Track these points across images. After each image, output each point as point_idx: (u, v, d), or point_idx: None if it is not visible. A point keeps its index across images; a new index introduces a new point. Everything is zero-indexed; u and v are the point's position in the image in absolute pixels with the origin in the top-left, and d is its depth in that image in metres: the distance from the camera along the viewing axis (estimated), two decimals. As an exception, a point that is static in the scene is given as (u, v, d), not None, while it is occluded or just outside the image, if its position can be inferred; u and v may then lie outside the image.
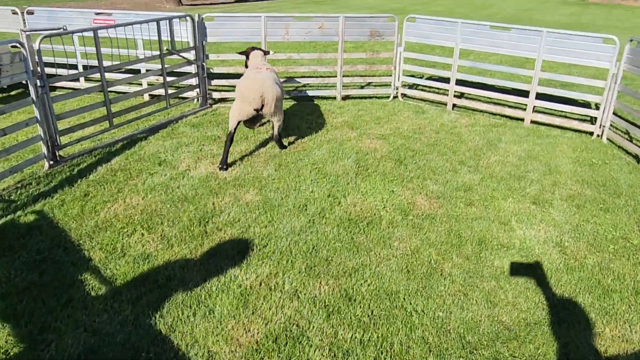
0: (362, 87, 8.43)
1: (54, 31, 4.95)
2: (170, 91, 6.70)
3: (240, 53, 6.20)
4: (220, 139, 5.97)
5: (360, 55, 8.21)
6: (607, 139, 6.44)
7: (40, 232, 3.87)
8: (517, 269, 3.66)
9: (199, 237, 3.90)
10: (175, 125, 6.40)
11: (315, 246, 3.85)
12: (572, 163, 5.68)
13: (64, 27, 5.53)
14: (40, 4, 19.81)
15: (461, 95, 8.01)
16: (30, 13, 7.47)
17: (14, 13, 7.61)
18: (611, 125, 6.45)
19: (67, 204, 4.31)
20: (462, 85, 7.51)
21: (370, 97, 8.00)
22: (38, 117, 4.82)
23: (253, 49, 6.03)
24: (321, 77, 8.38)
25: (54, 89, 7.60)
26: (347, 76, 8.16)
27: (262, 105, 5.13)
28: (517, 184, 5.08)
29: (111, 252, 3.67)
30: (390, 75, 7.88)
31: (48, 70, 4.98)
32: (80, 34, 6.40)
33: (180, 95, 7.00)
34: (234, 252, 3.72)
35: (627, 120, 6.50)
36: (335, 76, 7.66)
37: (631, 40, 6.08)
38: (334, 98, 7.77)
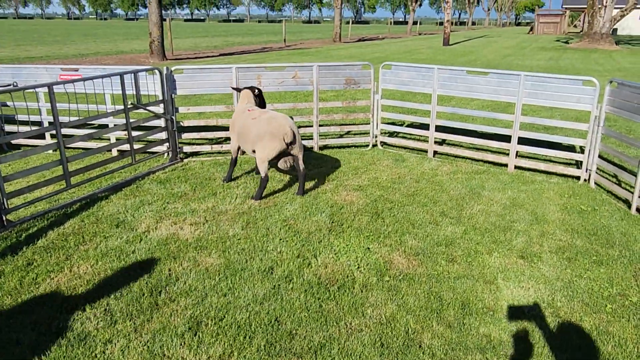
0: (340, 136, 8.19)
1: (2, 88, 4.65)
2: (137, 146, 6.39)
3: (234, 89, 6.42)
4: (186, 195, 5.61)
5: (337, 104, 8.01)
6: (595, 183, 6.16)
7: (-32, 310, 3.43)
8: (506, 338, 3.25)
9: (147, 311, 3.46)
10: (140, 182, 6.04)
11: (278, 317, 3.42)
12: (559, 210, 5.36)
13: (14, 84, 5.25)
14: (25, 62, 19.84)
15: (442, 142, 7.78)
16: (-6, 70, 7.23)
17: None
18: (598, 168, 6.18)
19: (5, 276, 3.87)
20: (443, 131, 7.29)
21: (349, 146, 7.74)
22: (-18, 179, 4.45)
23: (246, 88, 6.10)
24: (298, 127, 8.13)
25: (18, 147, 7.29)
26: (325, 125, 7.92)
27: (294, 138, 5.37)
28: (503, 235, 4.73)
29: (44, 333, 3.21)
30: (369, 124, 7.65)
31: (9, 127, 4.64)
32: (44, 89, 6.14)
33: (148, 150, 6.68)
34: (185, 327, 3.28)
35: (614, 164, 6.25)
36: (312, 126, 7.41)
37: (611, 82, 5.91)
38: (311, 148, 7.49)
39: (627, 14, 32.30)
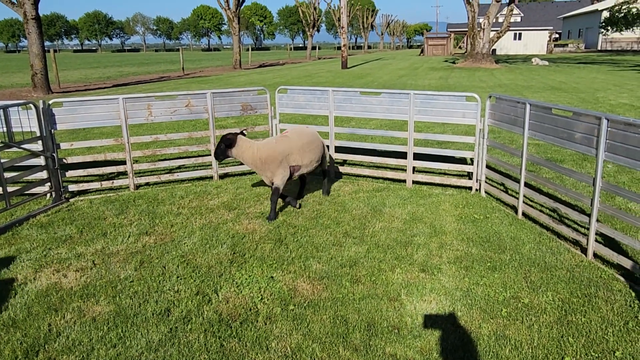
0: (241, 164, 8.00)
1: None
2: (12, 188, 5.77)
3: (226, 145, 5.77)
4: (72, 238, 5.13)
5: (234, 131, 7.83)
6: (486, 192, 6.51)
7: None
8: (411, 355, 3.23)
9: (21, 376, 3.03)
10: (17, 228, 5.44)
11: (175, 364, 3.15)
12: (455, 221, 5.58)
13: None
14: None
15: (344, 163, 7.87)
16: None
17: None
18: (487, 178, 6.55)
19: None
20: (343, 152, 7.37)
21: (251, 173, 7.58)
22: None
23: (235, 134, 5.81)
24: (196, 156, 7.85)
25: None
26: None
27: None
28: (404, 251, 4.80)
29: None
30: (269, 149, 7.55)
31: None
32: None
33: (26, 192, 6.06)
34: (66, 390, 2.91)
35: (500, 172, 6.66)
36: (209, 155, 7.17)
37: (490, 97, 6.33)
38: (211, 178, 7.24)
39: (503, 35, 35.51)
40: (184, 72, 34.06)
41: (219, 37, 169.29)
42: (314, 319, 3.63)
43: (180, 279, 4.25)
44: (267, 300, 3.90)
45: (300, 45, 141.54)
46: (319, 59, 60.40)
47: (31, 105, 6.00)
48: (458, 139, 6.82)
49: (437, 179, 6.86)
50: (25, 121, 6.08)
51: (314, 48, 67.17)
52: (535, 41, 61.71)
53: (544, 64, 36.67)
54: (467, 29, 39.01)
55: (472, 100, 6.36)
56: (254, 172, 7.60)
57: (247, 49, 56.94)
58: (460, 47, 72.16)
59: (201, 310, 3.75)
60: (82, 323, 3.59)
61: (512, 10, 35.05)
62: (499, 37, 35.35)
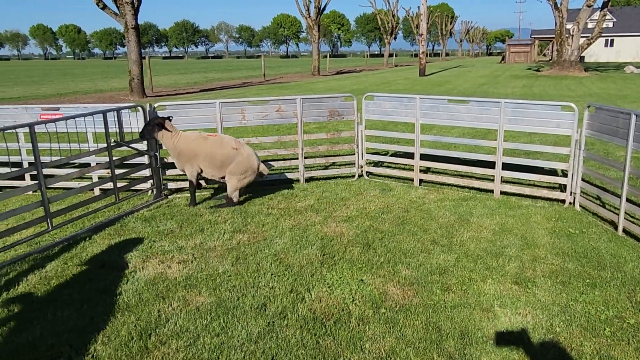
0: (325, 168, 8.18)
1: (-19, 129, 4.55)
2: (121, 184, 6.28)
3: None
4: (173, 232, 5.50)
5: (321, 136, 8.03)
6: (580, 206, 6.22)
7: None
8: (508, 366, 3.18)
9: (137, 356, 3.31)
10: (124, 220, 5.91)
11: (274, 356, 3.31)
12: (548, 234, 5.38)
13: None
14: (2, 103, 19.61)
15: (427, 170, 7.83)
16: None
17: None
18: (582, 191, 6.27)
19: (-16, 325, 3.69)
20: (428, 159, 7.34)
21: (335, 178, 7.73)
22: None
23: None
24: (283, 159, 8.13)
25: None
26: (310, 157, 7.92)
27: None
28: (495, 262, 4.71)
29: (28, 384, 3.04)
30: (354, 154, 7.67)
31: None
32: (24, 129, 6.02)
33: (131, 188, 6.57)
34: (178, 371, 3.15)
35: (597, 186, 6.34)
36: (297, 158, 7.40)
37: (589, 107, 6.06)
38: (297, 180, 7.46)
39: (593, 42, 33.56)
40: (265, 78, 35.17)
41: (297, 45, 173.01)
42: (406, 324, 3.67)
43: (274, 276, 4.44)
44: (359, 302, 3.99)
45: (377, 53, 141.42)
46: (396, 66, 60.07)
47: (139, 107, 6.50)
48: (549, 149, 6.58)
49: (526, 190, 6.65)
50: (132, 123, 6.59)
51: (390, 55, 66.90)
52: (630, 48, 57.80)
53: (639, 72, 34.20)
54: (552, 35, 37.25)
55: (568, 110, 6.11)
56: (338, 177, 7.74)
57: (325, 56, 57.76)
58: (544, 55, 68.96)
59: (296, 308, 3.90)
60: (188, 311, 3.85)
61: (605, 15, 33.06)
62: (589, 44, 33.42)
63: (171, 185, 7.03)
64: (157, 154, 6.64)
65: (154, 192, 6.74)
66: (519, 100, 6.49)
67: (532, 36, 69.96)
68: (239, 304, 3.96)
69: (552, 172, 7.21)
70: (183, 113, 6.77)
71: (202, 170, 6.23)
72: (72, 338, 3.51)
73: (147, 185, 6.73)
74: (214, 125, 6.87)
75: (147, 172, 6.70)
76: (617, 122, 5.49)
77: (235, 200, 6.22)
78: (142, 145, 6.56)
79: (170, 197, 6.86)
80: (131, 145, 6.31)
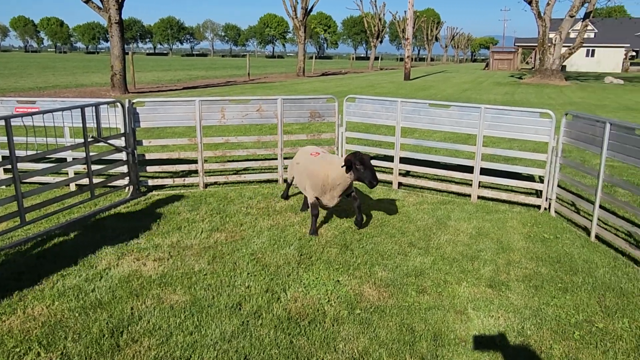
0: (306, 169, 8.16)
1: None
2: (97, 180, 6.19)
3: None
4: (150, 230, 5.44)
5: (302, 137, 8.02)
6: (556, 212, 6.33)
7: None
8: (479, 368, 3.22)
9: (108, 354, 3.27)
10: (100, 217, 5.83)
11: (247, 355, 3.29)
12: (524, 239, 5.46)
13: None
14: (-23, 95, 19.18)
15: (407, 174, 7.87)
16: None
17: None
18: (557, 197, 6.37)
19: (-49, 320, 3.60)
20: (408, 163, 7.39)
21: (315, 179, 7.72)
22: None
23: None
24: (263, 159, 8.11)
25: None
26: (291, 158, 7.90)
27: None
28: (471, 265, 4.76)
29: (-7, 381, 2.98)
30: (335, 156, 7.68)
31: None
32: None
33: (108, 184, 6.48)
34: (149, 370, 3.12)
35: (572, 193, 6.45)
36: (277, 158, 7.39)
37: (567, 114, 6.16)
38: (276, 181, 7.45)
39: (575, 51, 34.15)
40: (250, 78, 35.05)
41: (283, 45, 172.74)
42: (380, 325, 3.69)
43: (251, 275, 4.42)
44: (334, 302, 3.99)
45: (362, 56, 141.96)
46: (381, 69, 60.38)
47: (118, 103, 6.42)
48: (527, 155, 6.68)
49: (503, 195, 6.74)
50: (110, 118, 6.50)
51: (376, 59, 67.24)
52: (610, 58, 58.95)
53: (618, 83, 34.95)
54: (535, 44, 37.81)
55: (546, 117, 6.21)
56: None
57: (311, 57, 57.79)
58: (527, 63, 69.99)
59: (271, 307, 3.89)
60: (161, 309, 3.82)
61: (586, 25, 33.67)
62: (571, 53, 34.01)
63: (150, 182, 6.96)
64: (134, 150, 6.57)
65: (131, 189, 6.66)
66: (499, 106, 6.58)
67: (516, 44, 70.96)
68: (213, 303, 3.93)
69: (530, 178, 7.32)
70: (162, 110, 6.71)
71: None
72: (42, 335, 3.45)
73: (124, 181, 6.64)
74: (192, 123, 6.82)
75: (124, 169, 6.61)
76: (594, 131, 5.60)
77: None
78: (120, 142, 6.48)
79: (148, 194, 6.79)
80: (109, 141, 6.23)
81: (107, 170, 6.54)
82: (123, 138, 6.48)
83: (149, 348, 3.34)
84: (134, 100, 6.62)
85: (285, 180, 7.42)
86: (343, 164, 5.07)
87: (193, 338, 3.47)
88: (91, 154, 5.96)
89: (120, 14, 20.02)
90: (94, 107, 6.01)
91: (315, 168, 5.40)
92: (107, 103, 6.31)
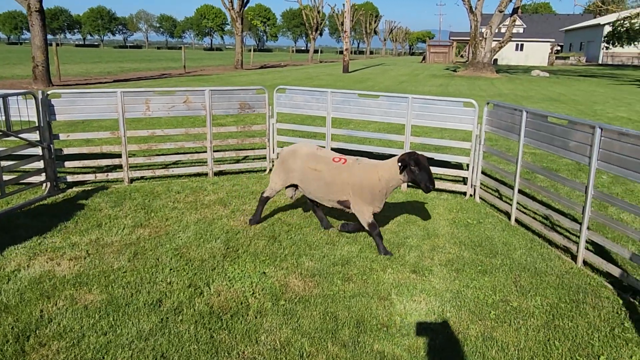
0: (237, 162, 8.04)
1: None
2: (9, 177, 5.79)
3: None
4: (67, 228, 5.15)
5: (232, 129, 7.87)
6: (480, 198, 6.55)
7: None
8: (399, 352, 3.26)
9: (12, 359, 3.05)
10: (13, 216, 5.46)
11: (165, 353, 3.17)
12: (449, 225, 5.62)
13: None
14: None
15: (340, 164, 7.89)
16: None
17: None
18: (482, 184, 6.60)
19: None
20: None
21: (247, 171, 7.61)
22: None
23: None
24: (192, 152, 7.89)
25: None
26: (220, 150, 7.75)
27: None
28: (397, 252, 4.83)
29: None
30: (266, 148, 7.59)
31: None
32: None
33: (22, 181, 6.08)
34: (55, 375, 2.93)
35: (495, 179, 6.71)
36: (206, 151, 7.20)
37: (488, 103, 6.38)
38: (206, 174, 7.27)
39: (504, 45, 35.68)
40: (186, 70, 34.10)
41: (222, 37, 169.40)
42: (304, 315, 3.66)
43: (173, 271, 4.28)
44: (259, 294, 3.93)
45: (303, 48, 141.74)
46: (321, 62, 60.56)
47: (31, 95, 6.02)
48: (455, 144, 6.87)
49: (432, 183, 6.88)
50: (25, 111, 6.10)
51: (316, 51, 67.37)
52: (537, 53, 62.01)
53: (544, 76, 36.84)
54: (469, 38, 39.14)
55: (470, 106, 6.41)
56: (250, 171, 7.63)
57: (250, 50, 57.06)
58: (462, 56, 72.43)
59: (192, 302, 3.78)
60: (74, 310, 3.61)
61: (514, 20, 35.22)
62: (500, 47, 35.50)
63: (69, 178, 6.59)
64: (51, 145, 6.19)
65: (48, 186, 6.28)
66: (426, 96, 6.71)
67: (451, 38, 73.21)
68: (132, 301, 3.77)
69: (459, 167, 7.54)
70: (81, 102, 6.36)
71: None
72: None
73: (40, 178, 6.25)
74: (114, 116, 6.52)
75: (40, 165, 6.22)
76: (513, 119, 5.83)
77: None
78: (34, 136, 6.08)
79: (67, 191, 6.43)
80: (20, 135, 5.83)
81: (20, 167, 6.12)
82: (37, 132, 6.09)
83: (58, 351, 3.15)
84: (49, 92, 6.23)
85: (215, 174, 7.24)
86: (391, 164, 4.70)
87: (107, 338, 3.30)
88: (1, 149, 5.56)
89: (40, 1, 18.86)
90: (1, 99, 5.60)
91: (362, 176, 4.77)
92: (18, 94, 5.90)
